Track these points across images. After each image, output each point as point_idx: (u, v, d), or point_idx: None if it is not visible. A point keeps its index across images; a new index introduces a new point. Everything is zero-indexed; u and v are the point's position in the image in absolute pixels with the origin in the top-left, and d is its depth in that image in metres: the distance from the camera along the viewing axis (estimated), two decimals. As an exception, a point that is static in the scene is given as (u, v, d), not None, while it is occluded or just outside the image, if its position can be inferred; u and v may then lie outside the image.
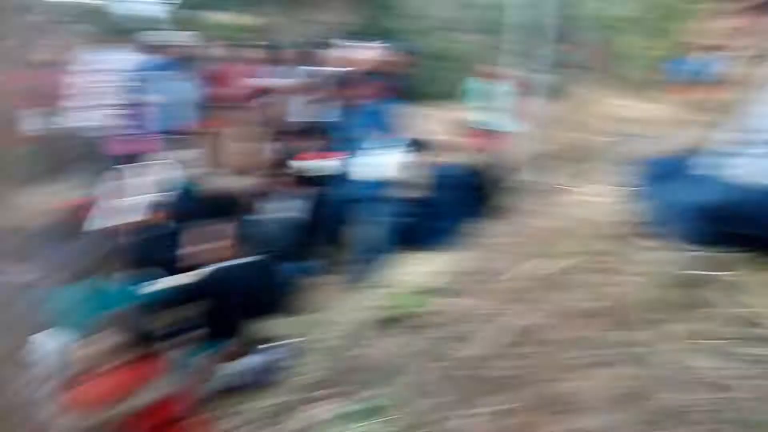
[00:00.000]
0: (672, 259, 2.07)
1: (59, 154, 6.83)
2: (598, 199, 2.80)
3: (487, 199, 4.85)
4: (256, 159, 5.05)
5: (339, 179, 4.39)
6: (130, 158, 6.26)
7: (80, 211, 3.84)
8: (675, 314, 1.96)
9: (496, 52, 9.01)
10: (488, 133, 8.74)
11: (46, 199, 6.31)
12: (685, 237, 2.10)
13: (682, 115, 5.01)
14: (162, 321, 3.04)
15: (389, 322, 3.21)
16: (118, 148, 5.72)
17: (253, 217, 4.06)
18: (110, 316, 2.39)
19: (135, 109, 6.18)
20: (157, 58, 5.75)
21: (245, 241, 3.33)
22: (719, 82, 4.77)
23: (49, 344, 2.43)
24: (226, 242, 3.22)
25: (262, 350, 3.13)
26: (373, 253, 4.12)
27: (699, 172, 2.24)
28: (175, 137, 5.62)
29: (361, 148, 4.28)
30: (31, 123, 6.84)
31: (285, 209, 4.41)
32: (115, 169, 5.34)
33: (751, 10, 2.25)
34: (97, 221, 4.15)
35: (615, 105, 6.88)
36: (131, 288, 2.82)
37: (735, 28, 2.38)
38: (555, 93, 9.73)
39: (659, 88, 7.39)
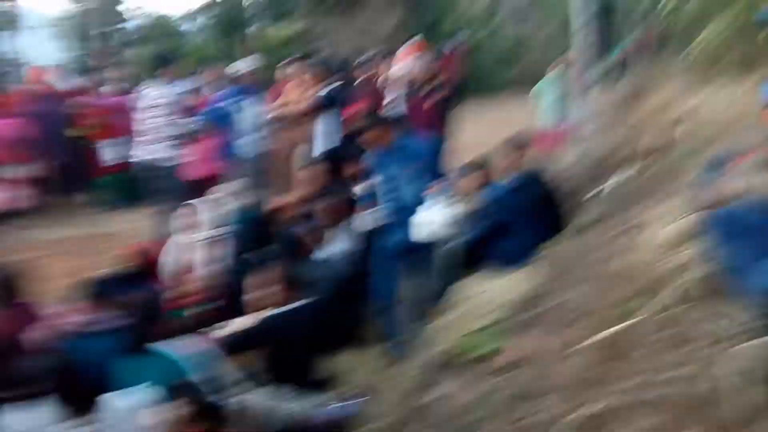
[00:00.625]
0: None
1: (136, 184, 7.11)
2: (667, 230, 2.54)
3: (556, 214, 4.58)
4: (318, 182, 5.00)
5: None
6: (203, 187, 6.46)
7: (150, 255, 3.90)
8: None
9: (566, 43, 8.66)
10: (557, 133, 8.43)
11: (126, 228, 6.65)
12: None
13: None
14: (227, 369, 3.05)
15: (457, 365, 3.11)
16: (190, 177, 5.84)
17: (315, 256, 3.99)
18: (177, 384, 2.39)
19: (205, 137, 6.34)
20: (227, 86, 5.86)
21: (302, 283, 3.28)
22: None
23: (121, 405, 2.47)
24: (283, 285, 3.17)
25: (330, 396, 3.09)
26: (434, 293, 3.94)
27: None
28: (246, 163, 5.69)
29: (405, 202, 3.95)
30: (109, 153, 7.18)
31: (343, 245, 4.33)
32: (188, 200, 5.46)
33: None
34: (169, 262, 4.21)
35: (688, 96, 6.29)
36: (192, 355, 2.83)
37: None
38: (625, 83, 9.28)
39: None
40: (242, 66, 5.86)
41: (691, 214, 2.40)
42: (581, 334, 2.52)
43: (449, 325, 3.42)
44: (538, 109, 8.72)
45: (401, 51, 10.18)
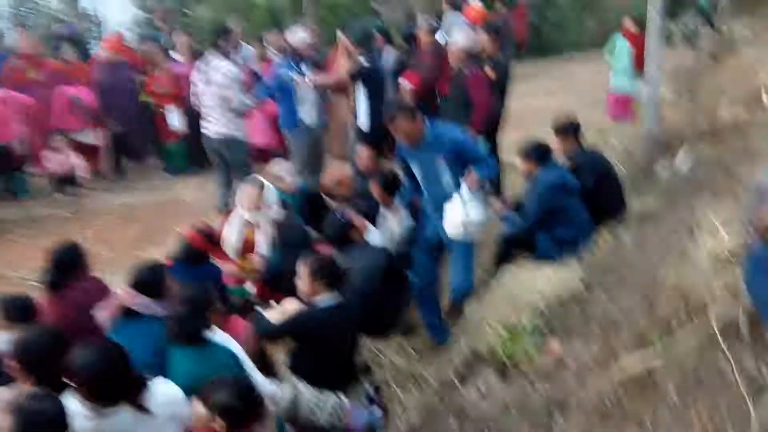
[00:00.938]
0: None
1: (203, 150, 7.32)
2: (720, 244, 2.40)
3: (613, 198, 4.40)
4: (373, 160, 4.99)
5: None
6: (265, 157, 6.57)
7: (212, 234, 4.01)
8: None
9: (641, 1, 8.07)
10: (628, 97, 8.00)
11: (194, 195, 6.89)
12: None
13: None
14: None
15: (495, 363, 3.11)
16: (253, 147, 5.93)
17: (362, 241, 4.02)
18: (219, 378, 2.49)
19: (266, 107, 6.41)
20: (286, 54, 5.84)
21: (344, 274, 3.30)
22: None
23: (165, 394, 2.57)
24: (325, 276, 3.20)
25: (360, 394, 3.14)
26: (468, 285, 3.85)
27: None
28: (304, 134, 5.71)
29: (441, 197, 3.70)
30: (178, 119, 7.39)
31: (390, 230, 4.33)
32: (253, 171, 5.57)
33: None
34: (232, 237, 4.32)
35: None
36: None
37: None
38: (705, 43, 8.62)
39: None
40: (299, 34, 5.80)
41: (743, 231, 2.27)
42: (622, 347, 2.47)
43: (491, 317, 3.40)
44: (609, 70, 8.26)
45: (461, 12, 9.85)
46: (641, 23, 6.43)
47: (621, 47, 8.02)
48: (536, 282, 3.64)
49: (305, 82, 5.43)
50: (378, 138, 5.02)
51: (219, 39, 5.55)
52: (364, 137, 5.45)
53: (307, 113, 5.66)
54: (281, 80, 5.54)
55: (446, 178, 3.58)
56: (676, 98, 6.78)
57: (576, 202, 4.18)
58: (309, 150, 5.75)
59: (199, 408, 2.43)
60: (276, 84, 5.63)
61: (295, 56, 5.62)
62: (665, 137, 5.67)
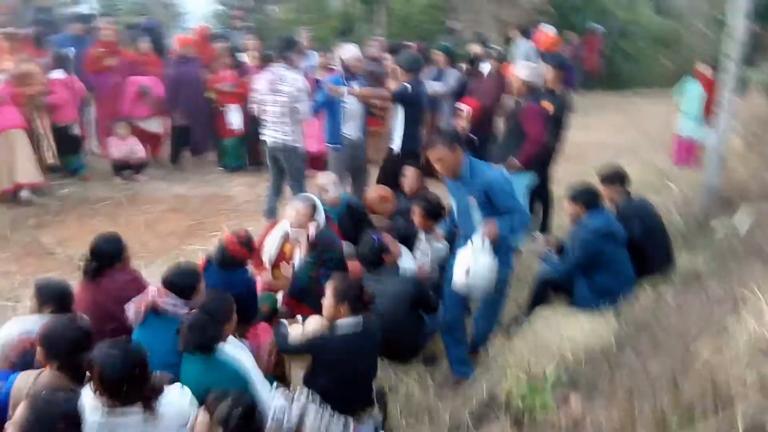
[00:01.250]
0: None
1: (255, 151, 7.47)
2: (761, 329, 2.25)
3: (659, 251, 4.22)
4: (419, 181, 4.97)
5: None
6: (314, 166, 6.66)
7: (251, 243, 4.06)
8: None
9: (716, 42, 7.74)
10: (693, 144, 7.69)
11: (244, 191, 7.05)
12: None
13: None
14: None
15: (513, 412, 3.02)
16: (305, 159, 6.00)
17: (395, 265, 3.99)
18: (223, 390, 2.52)
19: (312, 122, 6.47)
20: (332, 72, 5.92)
21: (371, 298, 3.27)
22: None
23: (174, 401, 2.62)
24: (350, 300, 3.18)
25: (369, 421, 3.11)
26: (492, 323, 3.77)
27: None
28: (348, 149, 5.75)
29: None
30: (236, 117, 7.57)
31: (424, 256, 4.30)
32: (301, 182, 5.66)
33: None
34: (272, 246, 4.38)
35: None
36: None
37: None
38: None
39: None
40: (351, 50, 5.85)
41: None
42: (642, 423, 2.36)
43: (515, 362, 3.31)
44: (678, 112, 7.96)
45: (532, 39, 9.67)
46: (717, 66, 6.17)
47: (692, 90, 7.74)
48: (568, 331, 3.52)
49: (348, 95, 5.47)
50: (408, 162, 5.02)
51: (286, 50, 5.61)
52: (390, 159, 5.47)
53: (351, 128, 5.71)
54: (327, 94, 5.60)
55: (477, 217, 3.46)
56: (746, 150, 6.47)
57: (620, 251, 4.03)
58: (351, 163, 5.80)
59: (201, 417, 2.47)
60: (322, 98, 5.69)
61: (347, 72, 5.67)
62: (728, 191, 5.43)
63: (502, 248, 3.44)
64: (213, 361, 2.80)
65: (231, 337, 2.99)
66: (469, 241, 3.40)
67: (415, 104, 5.41)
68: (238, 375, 2.79)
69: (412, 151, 5.31)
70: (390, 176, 5.25)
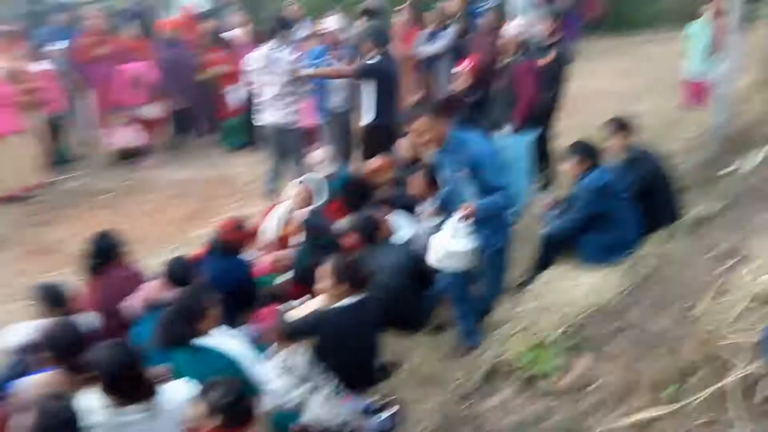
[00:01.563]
0: None
1: (251, 128, 7.38)
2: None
3: (665, 202, 4.10)
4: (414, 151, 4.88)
5: None
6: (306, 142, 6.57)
7: (244, 230, 4.03)
8: None
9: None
10: (702, 85, 7.43)
11: (245, 172, 6.99)
12: None
13: None
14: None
15: (518, 376, 2.99)
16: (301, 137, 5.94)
17: (390, 240, 3.93)
18: (213, 380, 2.51)
19: (302, 96, 6.37)
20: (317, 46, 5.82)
21: (369, 275, 3.23)
22: None
23: (169, 396, 2.62)
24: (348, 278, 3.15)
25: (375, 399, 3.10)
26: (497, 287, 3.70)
27: None
28: (337, 121, 5.69)
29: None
30: (234, 97, 7.48)
31: (421, 226, 4.22)
32: (299, 160, 5.59)
33: None
34: (270, 229, 4.34)
35: None
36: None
37: None
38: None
39: None
40: (333, 21, 5.75)
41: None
42: (645, 381, 2.31)
43: (521, 326, 3.26)
44: (687, 53, 7.66)
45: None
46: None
47: (698, 33, 7.44)
48: (573, 291, 3.46)
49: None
50: (379, 136, 4.94)
51: (280, 29, 5.48)
52: (365, 134, 5.38)
53: (338, 99, 5.62)
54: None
55: (468, 191, 3.31)
56: (756, 91, 6.18)
57: (622, 205, 3.91)
58: (339, 135, 5.74)
59: (196, 407, 2.47)
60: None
61: (331, 44, 5.57)
62: (738, 133, 5.25)
63: (493, 225, 3.35)
64: (199, 353, 2.80)
65: (222, 327, 2.98)
66: (449, 221, 3.29)
67: (386, 77, 5.25)
68: (229, 362, 2.78)
69: (387, 125, 5.20)
70: (372, 151, 5.14)
